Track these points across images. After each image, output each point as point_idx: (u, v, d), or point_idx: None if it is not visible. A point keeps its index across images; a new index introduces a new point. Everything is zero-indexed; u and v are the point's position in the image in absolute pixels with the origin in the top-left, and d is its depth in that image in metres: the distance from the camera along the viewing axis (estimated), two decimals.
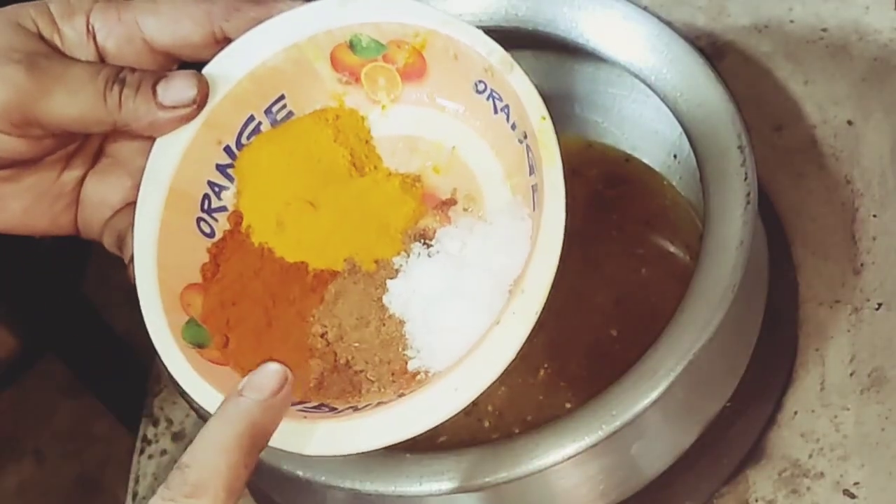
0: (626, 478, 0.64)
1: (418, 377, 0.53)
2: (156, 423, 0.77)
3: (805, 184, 0.77)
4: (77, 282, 1.32)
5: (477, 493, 0.60)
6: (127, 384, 1.04)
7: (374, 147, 0.59)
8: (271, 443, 0.50)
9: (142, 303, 0.55)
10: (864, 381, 0.69)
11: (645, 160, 0.76)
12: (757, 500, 0.67)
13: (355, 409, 0.52)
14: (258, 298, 0.56)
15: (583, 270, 0.72)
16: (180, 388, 0.54)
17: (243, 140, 0.58)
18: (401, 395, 0.51)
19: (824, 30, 0.82)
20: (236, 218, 0.58)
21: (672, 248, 0.72)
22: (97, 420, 1.31)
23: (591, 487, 0.63)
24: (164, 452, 0.76)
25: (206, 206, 0.58)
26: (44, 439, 1.33)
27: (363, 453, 0.61)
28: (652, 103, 0.72)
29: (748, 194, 0.63)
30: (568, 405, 0.68)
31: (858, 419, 0.68)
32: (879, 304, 0.72)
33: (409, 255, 0.56)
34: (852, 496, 0.66)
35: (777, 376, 0.70)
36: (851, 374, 0.70)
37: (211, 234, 0.57)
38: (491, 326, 0.50)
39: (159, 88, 0.55)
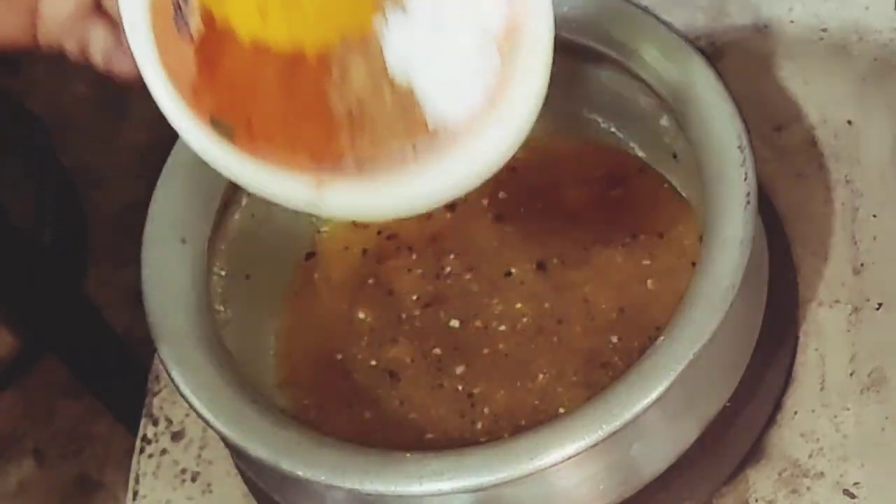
0: (626, 478, 0.64)
1: (437, 132, 0.53)
2: (156, 423, 0.77)
3: (805, 184, 0.77)
4: (77, 282, 1.32)
5: (477, 493, 0.60)
6: (127, 384, 1.04)
7: None
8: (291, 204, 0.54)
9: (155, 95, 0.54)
10: (864, 381, 0.69)
11: (644, 159, 0.76)
12: (757, 500, 0.67)
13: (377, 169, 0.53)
14: (268, 90, 0.55)
15: (585, 274, 0.72)
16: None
17: None
18: (421, 154, 0.52)
19: (824, 30, 0.82)
20: (206, 16, 0.56)
21: (673, 254, 0.72)
22: (97, 420, 1.31)
23: (591, 487, 0.64)
24: (164, 452, 0.76)
25: (180, 10, 0.56)
26: (44, 439, 1.33)
27: (363, 453, 0.61)
28: (651, 103, 0.72)
29: (748, 194, 0.63)
30: (562, 410, 0.68)
31: (858, 419, 0.68)
32: (879, 304, 0.72)
33: (387, 18, 0.55)
34: (852, 496, 0.66)
35: (777, 376, 0.70)
36: (851, 374, 0.70)
37: (191, 39, 0.56)
38: (503, 85, 0.50)
39: None
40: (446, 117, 0.53)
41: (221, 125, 0.55)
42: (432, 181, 0.53)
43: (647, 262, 0.72)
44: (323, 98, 0.55)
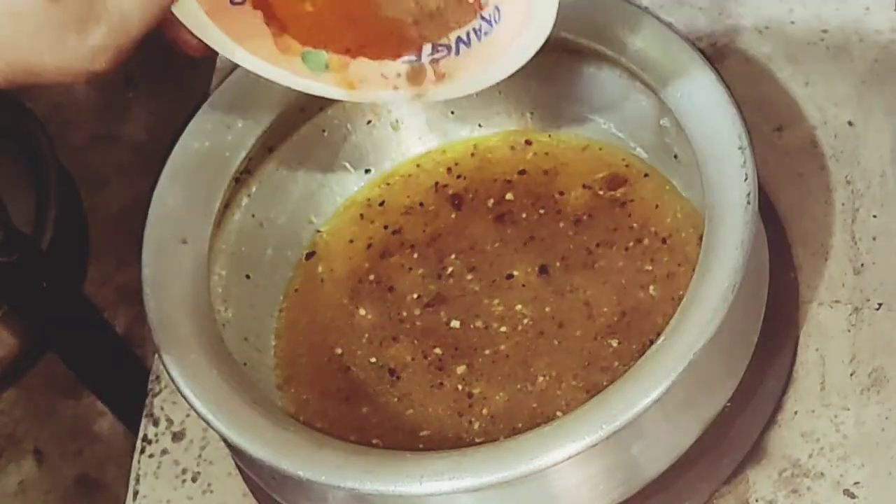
0: (626, 478, 0.64)
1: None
2: (156, 423, 0.77)
3: (805, 184, 0.77)
4: (77, 282, 1.32)
5: (477, 493, 0.60)
6: (127, 384, 1.04)
7: None
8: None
9: None
10: (864, 381, 0.69)
11: (645, 160, 0.76)
12: (757, 500, 0.67)
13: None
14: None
15: (587, 278, 0.72)
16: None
17: None
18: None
19: (825, 31, 0.82)
20: None
21: (676, 260, 0.72)
22: (97, 420, 1.32)
23: (591, 487, 0.64)
24: (164, 452, 0.76)
25: None
26: (44, 439, 1.33)
27: (363, 453, 0.61)
28: (652, 103, 0.72)
29: (748, 194, 0.63)
30: (559, 414, 0.68)
31: (858, 419, 0.68)
32: (879, 304, 0.72)
33: None
34: (852, 496, 0.66)
35: (777, 376, 0.70)
36: (851, 374, 0.70)
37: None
38: None
39: None
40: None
41: (313, 58, 0.60)
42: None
43: (649, 267, 0.72)
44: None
